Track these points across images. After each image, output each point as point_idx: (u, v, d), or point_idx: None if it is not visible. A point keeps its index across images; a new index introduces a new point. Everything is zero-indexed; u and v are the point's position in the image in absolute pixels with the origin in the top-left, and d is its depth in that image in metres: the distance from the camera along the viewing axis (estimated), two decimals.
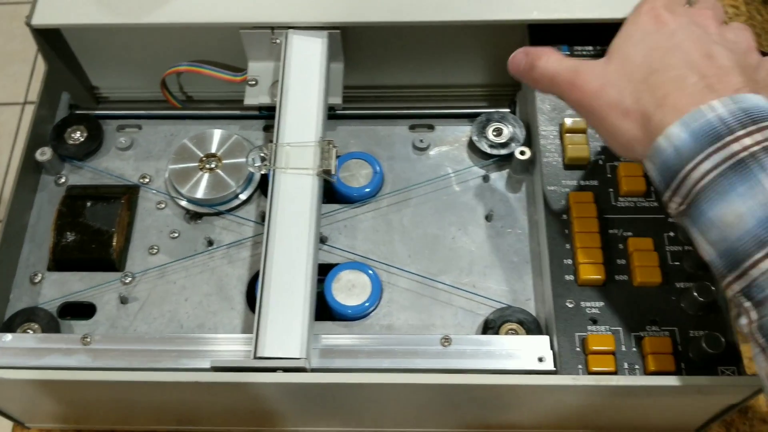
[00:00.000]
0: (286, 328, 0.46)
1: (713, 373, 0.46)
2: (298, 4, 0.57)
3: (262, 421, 0.55)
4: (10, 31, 1.84)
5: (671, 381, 0.45)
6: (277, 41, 0.57)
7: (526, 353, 0.48)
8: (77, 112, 0.61)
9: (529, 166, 0.56)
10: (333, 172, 0.52)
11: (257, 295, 0.48)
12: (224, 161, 0.56)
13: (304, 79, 0.55)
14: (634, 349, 0.47)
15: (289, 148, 0.52)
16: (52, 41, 0.59)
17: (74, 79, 0.63)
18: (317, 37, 0.57)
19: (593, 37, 0.58)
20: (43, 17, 0.57)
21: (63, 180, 0.58)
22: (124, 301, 0.53)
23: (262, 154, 0.53)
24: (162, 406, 0.53)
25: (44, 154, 0.56)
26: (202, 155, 0.57)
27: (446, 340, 0.49)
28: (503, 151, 0.56)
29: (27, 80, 1.79)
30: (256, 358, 0.45)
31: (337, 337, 0.49)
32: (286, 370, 0.45)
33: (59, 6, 0.57)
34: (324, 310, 0.52)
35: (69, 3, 0.57)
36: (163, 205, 0.56)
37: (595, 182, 0.53)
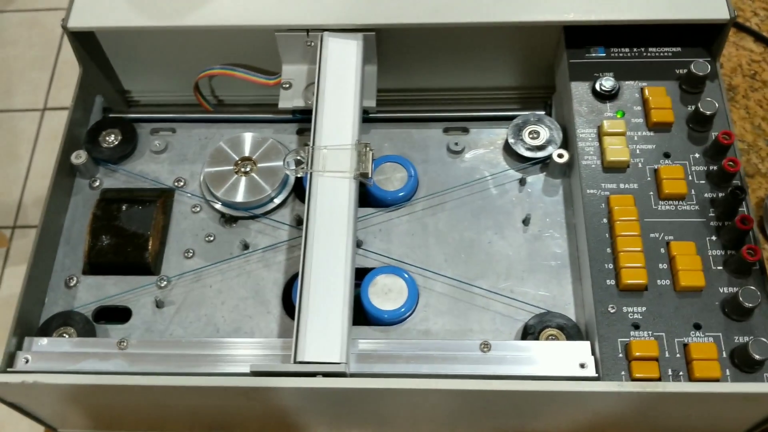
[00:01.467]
0: (325, 333, 0.46)
1: (759, 379, 0.45)
2: (333, 7, 0.56)
3: (295, 426, 0.55)
4: (30, 38, 1.85)
5: (717, 388, 0.45)
6: (312, 44, 0.57)
7: (568, 359, 0.47)
8: (111, 115, 0.61)
9: (567, 169, 0.56)
10: (370, 175, 0.52)
11: (296, 299, 0.47)
12: (259, 165, 0.56)
13: (340, 81, 0.55)
14: (678, 355, 0.46)
15: (326, 150, 0.52)
16: (86, 44, 0.59)
17: (107, 82, 0.63)
18: (352, 39, 0.56)
19: (630, 38, 0.57)
20: (79, 20, 0.57)
21: (97, 183, 0.58)
22: (159, 305, 0.52)
23: (298, 157, 0.53)
24: (196, 411, 0.53)
25: (79, 157, 0.56)
26: (237, 159, 0.56)
27: (486, 346, 0.48)
28: (540, 154, 0.56)
29: (46, 87, 1.80)
30: (296, 362, 0.45)
31: (375, 341, 0.49)
32: (326, 374, 0.45)
33: (94, 9, 0.57)
34: (360, 314, 0.52)
35: (104, 6, 0.57)
36: (198, 209, 0.56)
37: (635, 185, 0.52)
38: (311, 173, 0.51)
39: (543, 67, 0.61)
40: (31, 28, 1.88)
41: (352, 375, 0.46)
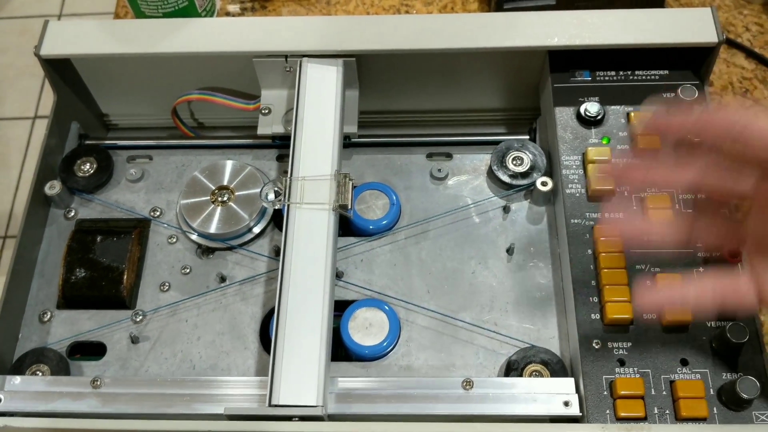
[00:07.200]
0: (301, 374, 0.45)
1: (748, 417, 0.44)
2: (312, 33, 0.55)
3: None
4: (20, 45, 1.83)
5: (704, 430, 0.43)
6: (291, 69, 0.56)
7: (551, 397, 0.46)
8: (87, 142, 0.60)
9: (551, 196, 0.54)
10: (349, 207, 0.51)
11: (272, 338, 0.46)
12: (237, 193, 0.55)
13: (319, 108, 0.54)
14: (665, 392, 0.45)
15: (303, 182, 0.51)
16: (61, 70, 0.58)
17: (84, 107, 0.62)
18: (332, 65, 0.55)
19: (616, 61, 0.56)
20: (52, 47, 0.55)
21: (72, 213, 0.56)
22: (135, 340, 0.51)
23: (276, 189, 0.52)
24: None
25: (53, 187, 0.55)
26: (214, 188, 0.55)
27: (468, 383, 0.47)
28: (524, 182, 0.55)
29: (37, 95, 1.79)
30: (271, 405, 0.44)
31: (354, 380, 0.48)
32: (302, 418, 0.44)
33: (68, 36, 0.56)
34: (339, 346, 0.51)
35: (78, 33, 0.56)
36: (174, 239, 0.55)
37: (620, 215, 0.51)
38: (288, 205, 0.50)
39: (528, 89, 0.60)
40: (21, 36, 1.87)
41: (330, 417, 0.45)
